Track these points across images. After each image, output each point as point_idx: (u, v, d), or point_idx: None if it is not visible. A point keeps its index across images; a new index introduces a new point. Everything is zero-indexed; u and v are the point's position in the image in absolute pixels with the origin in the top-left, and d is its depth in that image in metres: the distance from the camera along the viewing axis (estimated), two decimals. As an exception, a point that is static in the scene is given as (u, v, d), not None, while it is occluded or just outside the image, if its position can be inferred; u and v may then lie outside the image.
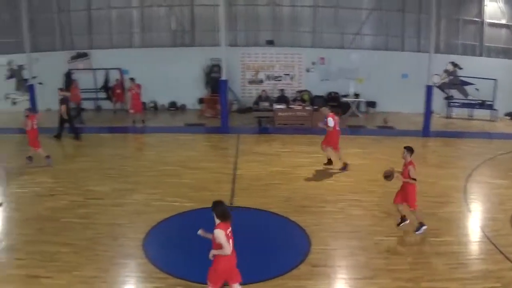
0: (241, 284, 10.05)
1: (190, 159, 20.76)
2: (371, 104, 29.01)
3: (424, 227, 13.83)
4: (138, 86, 26.58)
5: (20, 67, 29.96)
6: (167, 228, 14.70)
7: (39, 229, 14.67)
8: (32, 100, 26.06)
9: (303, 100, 27.59)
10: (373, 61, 28.35)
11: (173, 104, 30.19)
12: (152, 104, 30.23)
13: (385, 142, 23.14)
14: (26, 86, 28.41)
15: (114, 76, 29.87)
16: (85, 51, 30.19)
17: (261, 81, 29.74)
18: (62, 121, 23.94)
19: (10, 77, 30.56)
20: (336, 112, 20.38)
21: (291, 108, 26.13)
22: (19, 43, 28.43)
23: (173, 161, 20.62)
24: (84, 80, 28.31)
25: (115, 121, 27.91)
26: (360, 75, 28.51)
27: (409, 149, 13.80)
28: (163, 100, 30.32)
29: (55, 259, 12.82)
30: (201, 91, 29.70)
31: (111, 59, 29.59)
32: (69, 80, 29.35)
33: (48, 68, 28.71)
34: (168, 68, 29.10)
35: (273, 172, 18.96)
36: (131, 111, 26.75)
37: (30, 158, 20.27)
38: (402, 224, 14.12)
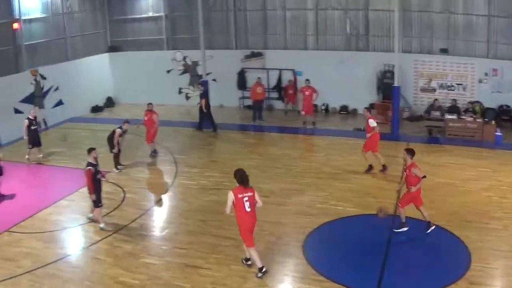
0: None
1: (357, 164, 20.11)
2: (542, 119, 26.52)
3: (432, 227, 13.97)
4: (312, 88, 26.30)
5: (194, 63, 30.99)
6: (329, 231, 14.64)
7: (202, 220, 14.94)
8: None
9: (474, 112, 25.84)
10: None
11: (344, 108, 29.58)
12: (324, 107, 29.84)
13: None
14: (199, 82, 29.16)
15: (287, 76, 29.84)
16: (259, 50, 30.48)
17: (433, 90, 28.28)
18: (202, 114, 25.54)
19: (184, 72, 31.72)
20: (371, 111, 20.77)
21: (462, 119, 24.57)
22: (195, 40, 29.32)
23: (340, 165, 20.26)
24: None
25: (286, 121, 27.85)
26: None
27: (409, 151, 13.94)
28: (335, 103, 29.75)
29: (215, 251, 13.00)
30: (373, 96, 28.83)
31: (284, 60, 29.61)
32: (242, 79, 29.84)
33: (221, 66, 29.43)
34: (341, 71, 28.44)
35: (440, 183, 17.84)
36: (302, 112, 26.61)
37: (155, 151, 21.99)
38: (401, 229, 14.21)
